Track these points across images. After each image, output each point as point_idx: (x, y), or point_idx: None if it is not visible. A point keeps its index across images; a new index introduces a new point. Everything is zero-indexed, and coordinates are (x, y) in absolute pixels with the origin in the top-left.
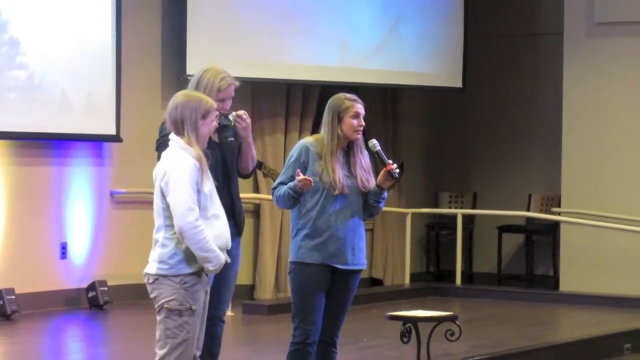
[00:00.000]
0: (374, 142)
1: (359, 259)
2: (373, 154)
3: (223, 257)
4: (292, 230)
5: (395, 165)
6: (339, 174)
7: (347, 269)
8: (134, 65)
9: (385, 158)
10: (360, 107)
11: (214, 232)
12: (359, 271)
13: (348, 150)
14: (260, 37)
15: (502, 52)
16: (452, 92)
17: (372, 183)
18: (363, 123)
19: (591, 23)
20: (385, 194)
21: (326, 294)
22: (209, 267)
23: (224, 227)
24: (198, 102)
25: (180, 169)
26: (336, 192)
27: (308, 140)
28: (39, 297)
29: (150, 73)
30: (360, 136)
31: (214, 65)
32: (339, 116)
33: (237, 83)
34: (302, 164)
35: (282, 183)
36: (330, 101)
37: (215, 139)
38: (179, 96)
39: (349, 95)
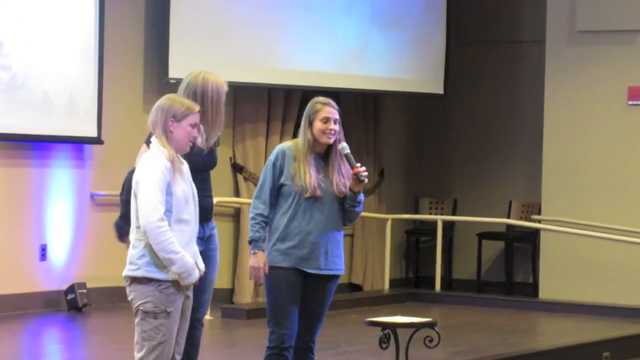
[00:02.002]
0: (343, 145)
1: (332, 264)
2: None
3: (190, 260)
4: (268, 233)
5: (363, 168)
6: (311, 177)
7: (319, 274)
8: (116, 67)
9: (354, 161)
10: (330, 111)
11: (183, 237)
12: (334, 277)
13: (327, 154)
14: (242, 41)
15: (484, 59)
16: (433, 98)
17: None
18: (333, 127)
19: (573, 31)
20: (361, 197)
21: (302, 298)
22: (174, 269)
23: (193, 234)
24: (170, 105)
25: (150, 169)
26: (307, 194)
27: (286, 144)
28: (18, 298)
29: (133, 76)
30: (331, 140)
31: (200, 70)
32: (309, 119)
33: None
34: (279, 168)
35: (259, 199)
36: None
37: (204, 147)
38: (159, 100)
39: (321, 99)
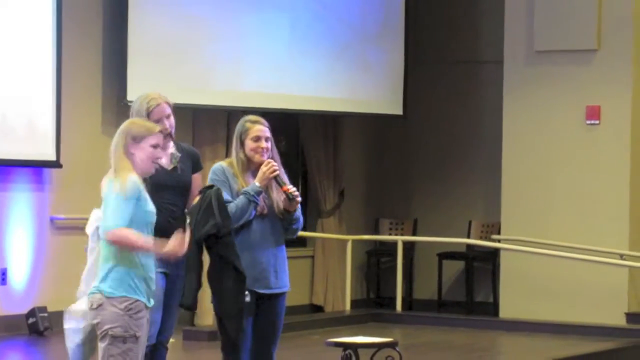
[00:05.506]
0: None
1: (282, 282)
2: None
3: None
4: None
5: (293, 188)
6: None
7: (270, 293)
8: (74, 91)
9: (282, 180)
10: (261, 129)
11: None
12: (283, 294)
13: None
14: (201, 64)
15: (443, 79)
16: (393, 119)
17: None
18: (265, 145)
19: (531, 51)
20: (297, 215)
21: (255, 319)
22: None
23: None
24: (129, 127)
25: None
26: (257, 213)
27: (221, 163)
28: None
29: (91, 99)
30: (265, 157)
31: (149, 92)
32: (241, 139)
33: (168, 101)
34: (228, 185)
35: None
36: None
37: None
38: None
39: (251, 117)
